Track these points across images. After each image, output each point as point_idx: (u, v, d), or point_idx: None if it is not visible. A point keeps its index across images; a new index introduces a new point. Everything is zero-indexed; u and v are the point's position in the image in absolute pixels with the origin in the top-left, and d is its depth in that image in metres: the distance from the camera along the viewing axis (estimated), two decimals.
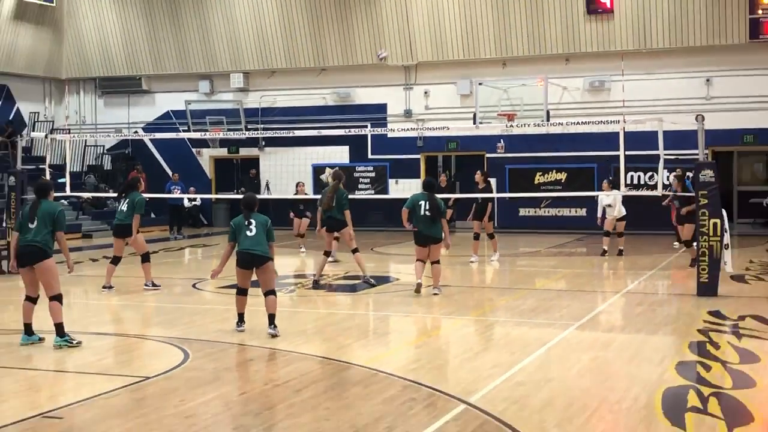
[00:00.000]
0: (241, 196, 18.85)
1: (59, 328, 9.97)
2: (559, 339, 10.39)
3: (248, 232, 10.59)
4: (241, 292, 10.84)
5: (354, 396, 7.86)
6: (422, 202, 13.53)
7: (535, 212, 26.54)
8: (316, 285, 15.09)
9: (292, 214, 20.80)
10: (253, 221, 10.63)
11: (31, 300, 10.19)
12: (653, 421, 6.98)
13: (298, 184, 21.21)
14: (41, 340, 10.21)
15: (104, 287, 14.51)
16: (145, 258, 14.81)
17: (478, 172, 19.12)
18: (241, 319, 10.87)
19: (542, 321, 11.74)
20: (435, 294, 13.59)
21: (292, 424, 6.97)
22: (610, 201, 18.83)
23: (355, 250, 14.93)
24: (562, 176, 26.08)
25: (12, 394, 8.08)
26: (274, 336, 10.48)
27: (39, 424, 7.03)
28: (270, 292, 10.65)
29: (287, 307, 12.87)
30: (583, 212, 25.62)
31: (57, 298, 9.99)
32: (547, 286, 15.54)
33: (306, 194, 21.10)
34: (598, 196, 19.70)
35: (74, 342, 9.95)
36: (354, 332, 11.28)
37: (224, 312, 12.10)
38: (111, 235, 15.93)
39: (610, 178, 20.09)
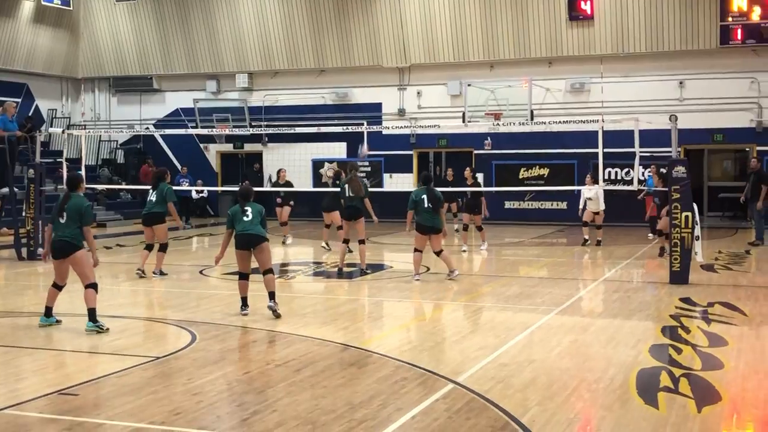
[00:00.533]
0: (281, 189, 19.32)
1: (92, 314, 9.87)
2: (541, 323, 10.42)
3: (245, 218, 10.73)
4: (243, 277, 10.87)
5: (350, 375, 7.87)
6: (423, 196, 13.55)
7: (520, 205, 26.56)
8: (340, 273, 14.92)
9: (279, 200, 20.20)
10: (248, 208, 10.80)
11: (58, 287, 10.22)
12: (628, 399, 7.01)
13: (279, 171, 20.77)
14: (58, 322, 10.20)
15: (153, 273, 14.60)
16: (163, 248, 14.73)
17: (467, 169, 19.17)
18: (244, 302, 10.88)
19: (525, 306, 11.76)
20: (451, 278, 13.79)
21: (291, 402, 6.98)
22: (592, 195, 18.84)
23: (362, 241, 14.92)
24: (545, 172, 26.10)
25: (31, 373, 8.08)
26: (273, 310, 10.57)
27: (56, 400, 7.04)
28: (268, 271, 10.78)
29: (288, 293, 12.88)
30: (564, 205, 25.64)
31: (92, 286, 9.94)
32: (531, 273, 15.57)
33: (288, 181, 20.48)
34: (581, 189, 19.68)
35: (104, 328, 9.83)
36: (350, 316, 11.28)
37: (229, 297, 12.09)
38: (124, 223, 15.89)
39: (590, 173, 20.10)
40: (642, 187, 20.10)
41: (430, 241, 13.70)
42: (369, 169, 27.87)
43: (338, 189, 16.00)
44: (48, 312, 10.20)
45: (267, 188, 23.14)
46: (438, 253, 13.80)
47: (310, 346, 9.19)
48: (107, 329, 9.85)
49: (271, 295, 10.72)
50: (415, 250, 13.86)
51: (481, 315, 11.30)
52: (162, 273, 14.71)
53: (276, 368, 8.22)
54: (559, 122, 21.94)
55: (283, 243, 19.86)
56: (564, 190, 24.53)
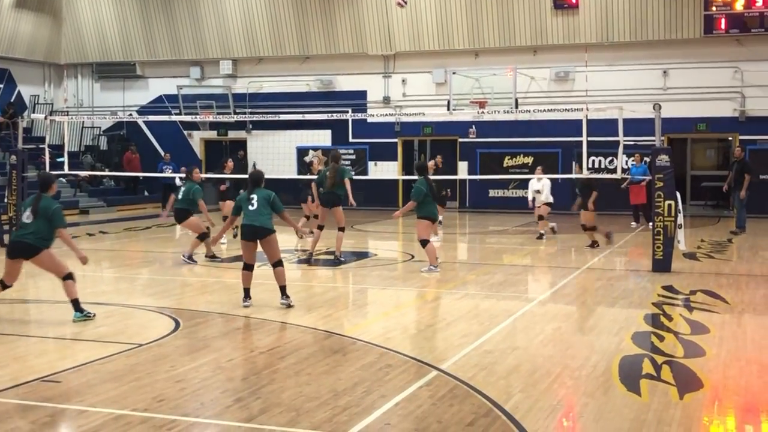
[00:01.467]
0: (228, 176, 18.58)
1: (76, 304, 9.72)
2: (524, 311, 10.45)
3: (250, 206, 10.46)
4: (247, 268, 10.55)
5: (334, 363, 7.87)
6: (424, 188, 13.51)
7: (504, 193, 26.60)
8: (310, 259, 14.94)
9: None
10: (255, 196, 10.49)
11: (5, 286, 9.88)
12: (611, 386, 7.04)
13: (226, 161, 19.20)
14: None
15: (207, 256, 14.84)
16: (203, 237, 14.61)
17: (438, 157, 19.13)
18: (247, 294, 10.57)
19: (509, 294, 11.79)
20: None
21: (276, 389, 6.97)
22: (539, 187, 18.51)
23: (341, 229, 14.87)
24: (529, 160, 26.12)
25: (12, 360, 8.03)
26: (288, 306, 10.43)
27: (38, 387, 7.00)
28: (278, 263, 10.54)
29: (272, 280, 12.84)
30: None
31: (68, 277, 9.70)
32: (514, 261, 15.60)
33: (231, 174, 18.84)
34: (529, 181, 19.22)
35: (91, 315, 9.74)
36: (334, 304, 11.28)
37: (213, 284, 12.08)
38: (107, 210, 15.79)
39: (574, 162, 20.11)
40: (626, 176, 20.16)
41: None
42: (354, 157, 27.85)
43: (314, 177, 16.02)
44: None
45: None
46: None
47: (294, 333, 9.19)
48: (94, 315, 9.78)
49: (283, 290, 10.51)
50: (428, 241, 13.74)
51: (465, 303, 11.31)
52: (191, 259, 14.66)
53: (260, 355, 8.21)
54: (544, 111, 21.99)
55: (235, 237, 17.55)
56: (548, 179, 24.53)
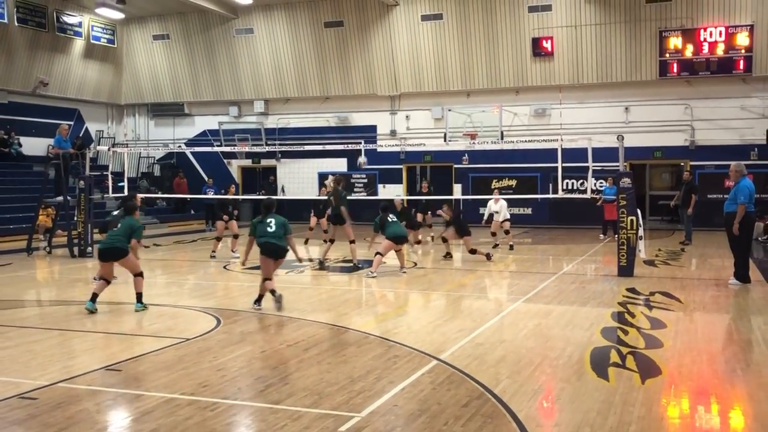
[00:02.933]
0: (262, 197, 18.74)
1: (139, 297, 10.41)
2: (510, 309, 10.41)
3: (269, 228, 10.37)
4: (267, 279, 10.44)
5: (350, 354, 7.84)
6: (378, 221, 14.13)
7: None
8: (322, 265, 15.05)
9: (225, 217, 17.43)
10: (272, 220, 10.43)
11: (107, 281, 10.43)
12: (583, 373, 7.00)
13: (230, 187, 19.16)
14: (95, 311, 10.19)
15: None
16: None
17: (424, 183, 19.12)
18: (259, 299, 10.51)
19: (497, 295, 11.75)
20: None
21: (301, 375, 6.95)
22: (497, 208, 18.37)
23: (352, 242, 14.94)
24: (513, 183, 26.10)
25: (81, 352, 8.06)
26: (278, 302, 10.46)
27: (103, 375, 7.02)
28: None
29: (298, 284, 12.85)
30: (529, 211, 25.67)
31: (140, 274, 10.52)
32: (501, 268, 15.55)
33: (234, 195, 18.78)
34: (488, 203, 18.92)
35: (147, 307, 10.42)
36: (350, 304, 11.25)
37: (249, 288, 12.06)
38: (160, 226, 15.80)
39: (550, 184, 20.05)
40: (596, 196, 20.11)
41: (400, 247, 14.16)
42: (366, 180, 27.85)
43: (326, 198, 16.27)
44: (94, 298, 10.26)
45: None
46: (399, 250, 14.21)
47: (316, 329, 9.17)
48: (147, 307, 10.37)
49: (272, 292, 10.44)
50: (381, 254, 13.98)
51: (460, 303, 11.28)
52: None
53: (288, 348, 8.19)
54: (525, 141, 21.96)
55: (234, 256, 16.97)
56: (528, 198, 24.59)
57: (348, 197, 15.48)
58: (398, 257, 14.30)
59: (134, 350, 8.10)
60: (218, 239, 17.54)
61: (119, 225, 10.47)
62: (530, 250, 18.38)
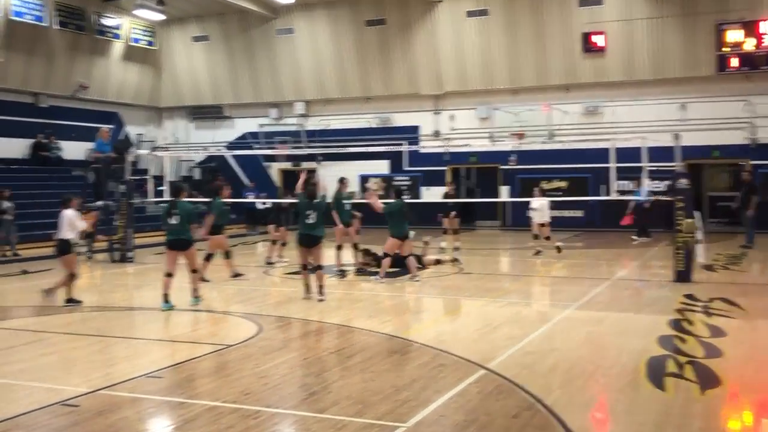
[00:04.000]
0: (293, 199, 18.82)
1: (195, 292, 11.14)
2: (561, 317, 10.32)
3: (307, 220, 10.97)
4: (304, 267, 11.41)
5: (394, 362, 7.85)
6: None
7: None
8: (343, 274, 14.63)
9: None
10: (311, 211, 11.05)
11: (170, 275, 10.85)
12: (639, 384, 6.90)
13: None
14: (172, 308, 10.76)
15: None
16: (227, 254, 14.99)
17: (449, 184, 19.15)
18: (308, 289, 11.34)
19: (547, 302, 11.66)
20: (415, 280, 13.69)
21: (345, 384, 6.98)
22: (537, 206, 17.91)
23: (339, 247, 14.91)
24: (564, 184, 25.84)
25: (121, 359, 8.19)
26: (321, 300, 11.15)
27: (144, 382, 7.12)
28: (318, 267, 11.31)
29: (340, 290, 12.90)
30: (580, 213, 25.40)
31: (195, 270, 11.20)
32: (551, 273, 15.41)
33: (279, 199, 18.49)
34: (530, 202, 18.60)
35: (202, 300, 11.17)
36: (393, 311, 11.27)
37: (290, 293, 12.15)
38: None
39: (539, 186, 20.16)
40: (632, 198, 19.80)
41: (403, 246, 13.82)
42: (409, 182, 27.80)
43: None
44: (166, 298, 10.73)
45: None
46: (405, 257, 13.82)
47: (359, 336, 9.20)
48: (202, 299, 11.11)
49: (320, 289, 11.20)
50: (389, 255, 13.70)
51: (507, 309, 11.22)
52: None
53: (330, 355, 8.24)
54: (576, 141, 21.71)
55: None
56: (580, 200, 24.28)
57: (352, 200, 15.43)
58: (408, 264, 13.80)
59: (176, 357, 8.22)
60: (273, 243, 17.42)
61: (176, 217, 10.79)
62: (581, 255, 18.18)
